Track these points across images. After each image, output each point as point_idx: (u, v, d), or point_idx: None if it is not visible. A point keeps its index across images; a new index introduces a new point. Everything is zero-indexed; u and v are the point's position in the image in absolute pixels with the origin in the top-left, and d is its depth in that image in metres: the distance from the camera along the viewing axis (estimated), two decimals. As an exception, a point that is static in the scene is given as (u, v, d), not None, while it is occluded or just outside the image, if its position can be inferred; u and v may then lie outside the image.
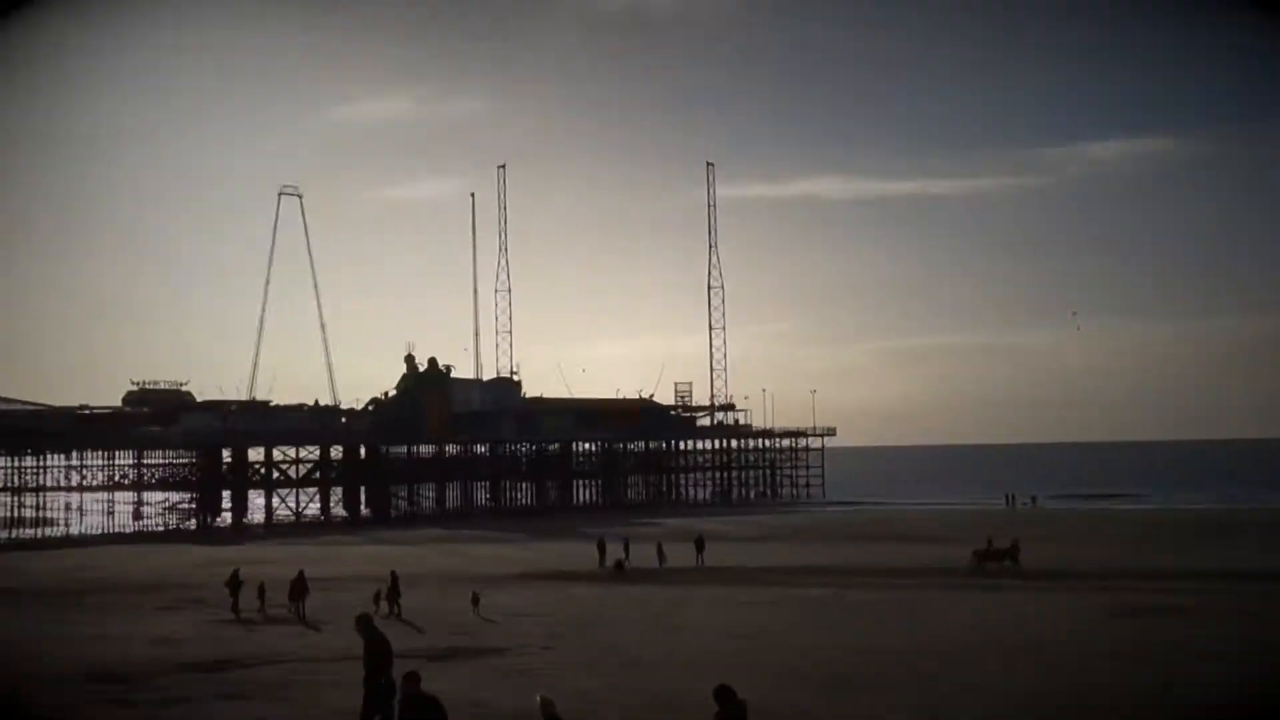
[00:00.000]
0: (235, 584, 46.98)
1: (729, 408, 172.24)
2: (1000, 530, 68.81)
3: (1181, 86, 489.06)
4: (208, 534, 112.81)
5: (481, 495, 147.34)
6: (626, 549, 67.54)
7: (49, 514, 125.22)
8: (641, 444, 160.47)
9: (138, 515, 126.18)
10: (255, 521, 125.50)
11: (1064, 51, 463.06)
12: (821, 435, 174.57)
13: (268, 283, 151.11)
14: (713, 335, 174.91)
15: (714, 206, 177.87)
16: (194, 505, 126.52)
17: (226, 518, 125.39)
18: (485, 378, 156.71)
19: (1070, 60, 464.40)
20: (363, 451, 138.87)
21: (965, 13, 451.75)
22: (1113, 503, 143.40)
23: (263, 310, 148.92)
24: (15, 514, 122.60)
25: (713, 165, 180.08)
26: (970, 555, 60.22)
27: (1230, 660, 31.11)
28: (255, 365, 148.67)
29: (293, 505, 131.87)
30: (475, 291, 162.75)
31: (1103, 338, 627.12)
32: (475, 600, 44.30)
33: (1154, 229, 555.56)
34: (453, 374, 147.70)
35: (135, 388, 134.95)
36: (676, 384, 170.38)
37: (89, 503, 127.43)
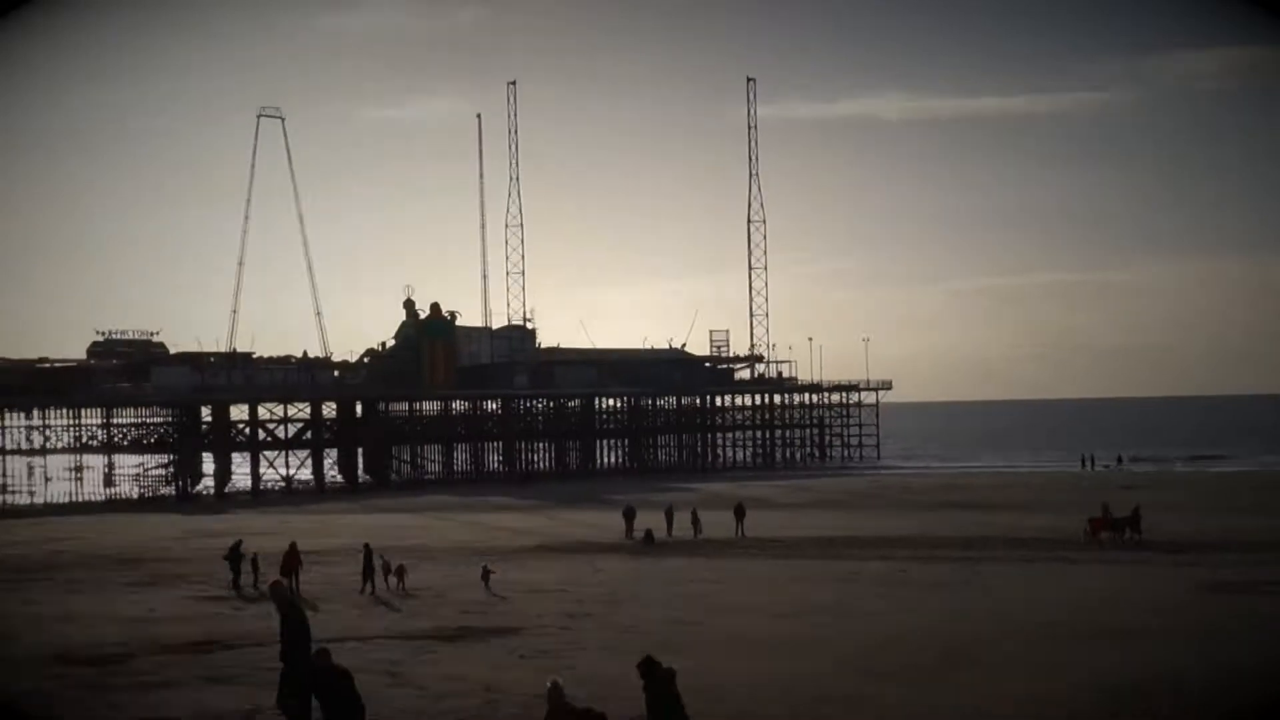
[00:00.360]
0: (236, 557, 47.22)
1: (757, 359, 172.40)
2: (1093, 495, 68.57)
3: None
4: (187, 502, 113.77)
5: (494, 457, 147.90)
6: (670, 519, 67.41)
7: (9, 480, 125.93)
8: (672, 400, 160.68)
9: (109, 481, 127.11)
10: (240, 488, 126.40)
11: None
12: (876, 390, 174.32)
13: (246, 219, 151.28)
14: (752, 276, 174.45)
15: (755, 128, 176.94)
16: (171, 470, 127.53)
17: (208, 484, 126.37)
18: (495, 325, 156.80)
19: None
20: (359, 409, 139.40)
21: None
22: (1214, 464, 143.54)
23: (242, 250, 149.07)
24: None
25: (754, 80, 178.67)
26: (1085, 525, 59.84)
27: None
28: (235, 312, 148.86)
29: (281, 469, 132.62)
30: (483, 226, 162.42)
31: (1217, 276, 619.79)
32: (486, 576, 44.57)
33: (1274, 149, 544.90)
34: (458, 321, 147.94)
35: (101, 338, 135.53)
36: (712, 332, 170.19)
37: (53, 467, 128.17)
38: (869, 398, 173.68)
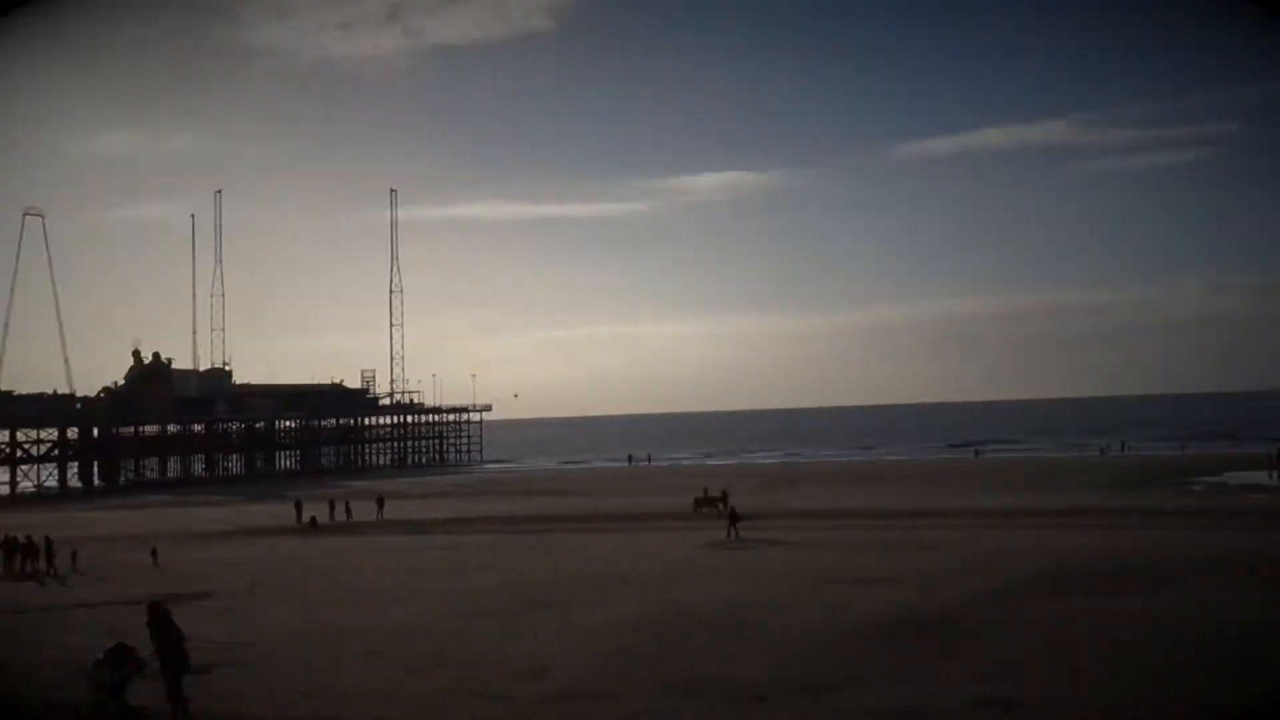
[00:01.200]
0: (8, 547, 43.27)
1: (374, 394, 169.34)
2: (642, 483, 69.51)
3: (751, 133, 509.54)
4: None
5: (199, 466, 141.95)
6: (331, 509, 64.76)
7: None
8: (333, 420, 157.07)
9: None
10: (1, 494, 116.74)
11: (666, 102, 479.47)
12: (480, 410, 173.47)
13: (12, 292, 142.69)
14: (393, 330, 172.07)
15: (395, 225, 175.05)
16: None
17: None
18: (202, 368, 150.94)
19: (670, 108, 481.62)
20: (95, 432, 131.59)
21: (588, 71, 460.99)
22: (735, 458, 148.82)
23: (6, 324, 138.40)
24: None
25: (395, 191, 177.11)
26: (692, 502, 58.73)
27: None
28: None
29: (34, 479, 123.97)
30: (194, 295, 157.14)
31: (706, 328, 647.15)
32: (154, 555, 43.44)
33: (739, 243, 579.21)
34: (173, 365, 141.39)
35: None
36: (363, 371, 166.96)
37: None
38: (475, 416, 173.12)
